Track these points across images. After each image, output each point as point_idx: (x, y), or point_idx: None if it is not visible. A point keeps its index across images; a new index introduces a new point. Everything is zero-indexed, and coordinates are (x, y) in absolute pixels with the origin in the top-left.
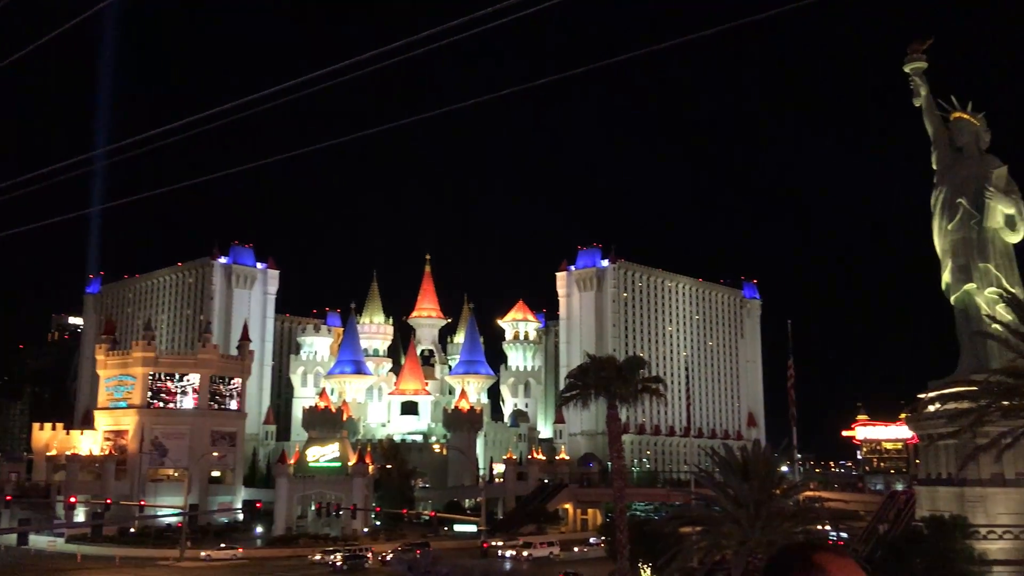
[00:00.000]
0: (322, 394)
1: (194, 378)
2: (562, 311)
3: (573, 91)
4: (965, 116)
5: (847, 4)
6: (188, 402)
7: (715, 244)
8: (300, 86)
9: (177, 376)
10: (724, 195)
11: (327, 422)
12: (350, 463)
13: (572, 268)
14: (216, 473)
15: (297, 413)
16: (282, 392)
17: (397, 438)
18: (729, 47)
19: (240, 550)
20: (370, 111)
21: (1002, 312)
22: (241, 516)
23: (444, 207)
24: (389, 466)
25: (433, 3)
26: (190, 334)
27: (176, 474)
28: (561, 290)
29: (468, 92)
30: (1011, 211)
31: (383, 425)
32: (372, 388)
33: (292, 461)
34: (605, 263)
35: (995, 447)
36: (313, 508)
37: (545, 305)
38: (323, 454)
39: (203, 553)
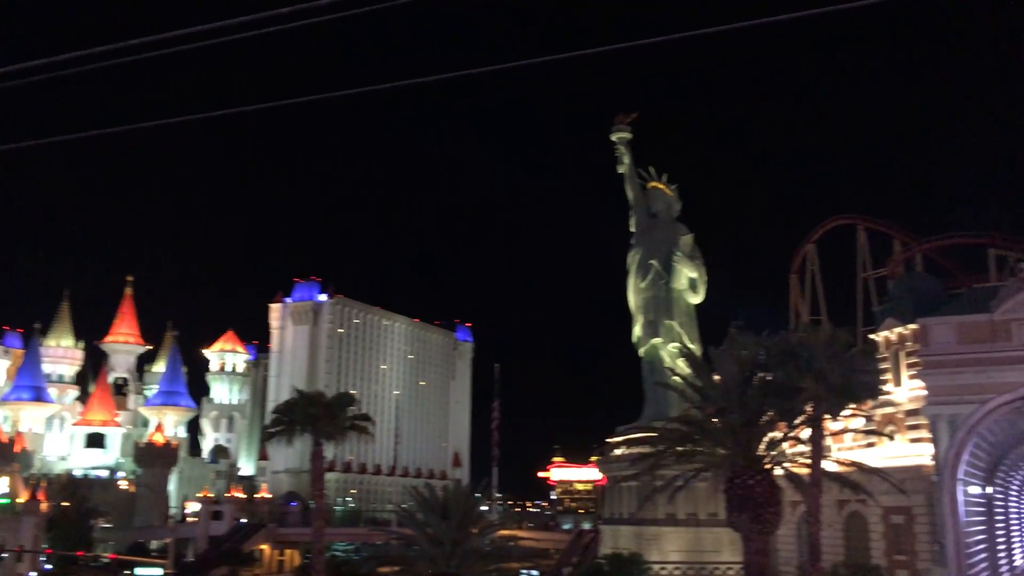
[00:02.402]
0: None
1: None
2: (274, 344)
3: (295, 123)
4: (660, 186)
5: (571, 70)
6: None
7: (433, 286)
8: None
9: None
10: (442, 240)
11: None
12: (20, 500)
13: (288, 300)
14: None
15: None
16: None
17: (79, 473)
18: (457, 95)
19: None
20: (72, 116)
21: (682, 366)
22: None
23: (153, 227)
24: (66, 504)
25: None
26: None
27: None
28: (275, 322)
29: (170, 109)
30: (694, 275)
31: (63, 459)
32: (53, 418)
33: None
34: (323, 298)
35: (669, 489)
36: None
37: (258, 337)
38: None
39: None
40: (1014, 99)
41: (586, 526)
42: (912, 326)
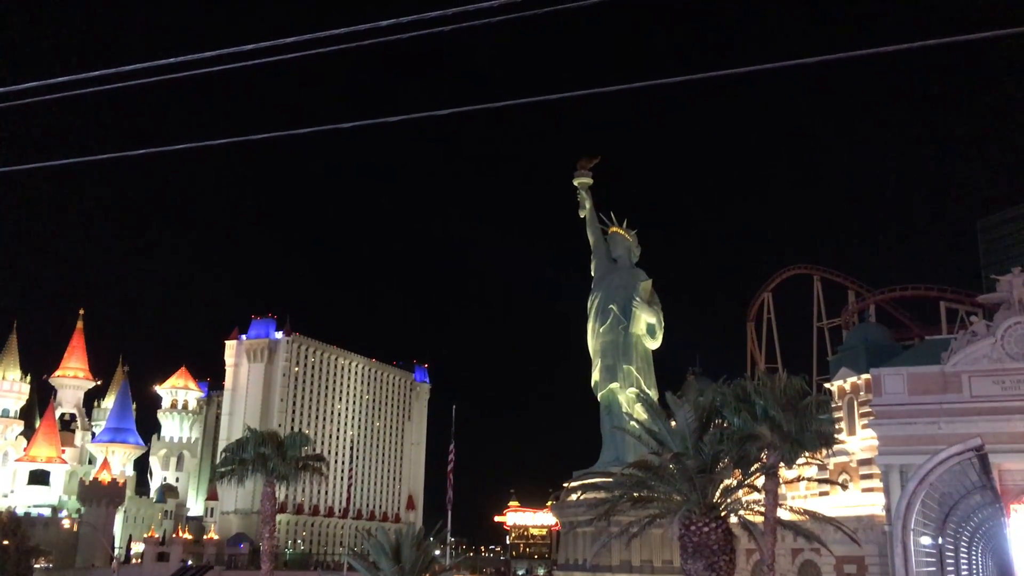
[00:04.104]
0: None
1: None
2: (228, 381)
3: (256, 159)
4: (621, 231)
5: (528, 115)
6: None
7: (391, 326)
8: None
9: None
10: (403, 279)
11: None
12: None
13: (243, 337)
14: None
15: None
16: None
17: (21, 511)
18: (413, 136)
19: None
20: (24, 145)
21: (639, 411)
22: None
23: (106, 260)
24: (6, 542)
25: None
26: None
27: None
28: (229, 359)
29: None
30: (652, 320)
31: (5, 495)
32: None
33: None
34: (279, 335)
35: (624, 535)
36: None
37: (212, 374)
38: None
39: None
40: (963, 154)
41: (540, 572)
42: (865, 376)
